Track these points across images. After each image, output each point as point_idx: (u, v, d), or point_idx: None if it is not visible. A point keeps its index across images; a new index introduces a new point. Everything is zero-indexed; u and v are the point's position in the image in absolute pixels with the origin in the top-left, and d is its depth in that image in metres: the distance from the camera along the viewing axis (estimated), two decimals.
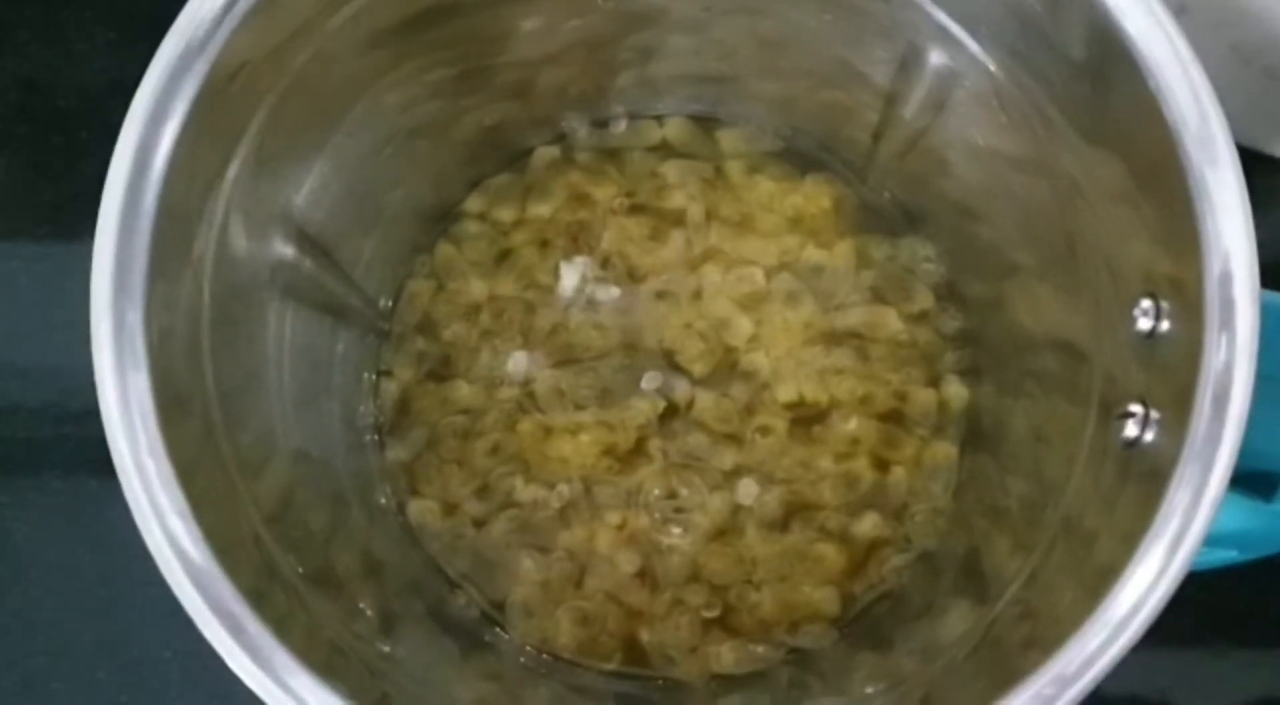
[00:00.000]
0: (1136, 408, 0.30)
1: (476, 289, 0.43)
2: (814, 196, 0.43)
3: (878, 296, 0.42)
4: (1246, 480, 0.33)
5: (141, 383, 0.28)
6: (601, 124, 0.44)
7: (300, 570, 0.31)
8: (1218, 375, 0.27)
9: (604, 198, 0.43)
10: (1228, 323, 0.27)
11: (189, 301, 0.30)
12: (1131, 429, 0.30)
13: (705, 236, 0.43)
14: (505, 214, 0.43)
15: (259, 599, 0.28)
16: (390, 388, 0.42)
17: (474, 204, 0.44)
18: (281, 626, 0.28)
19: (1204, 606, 0.35)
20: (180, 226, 0.30)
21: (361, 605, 0.33)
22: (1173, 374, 0.29)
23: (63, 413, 0.47)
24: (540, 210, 0.43)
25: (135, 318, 0.28)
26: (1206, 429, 0.27)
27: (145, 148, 0.29)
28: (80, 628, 0.45)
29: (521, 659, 0.40)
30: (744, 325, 0.42)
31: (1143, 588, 0.27)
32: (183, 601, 0.27)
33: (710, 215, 0.43)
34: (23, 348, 0.47)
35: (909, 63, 0.36)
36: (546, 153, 0.44)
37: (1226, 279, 0.27)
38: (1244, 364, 0.27)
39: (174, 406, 0.28)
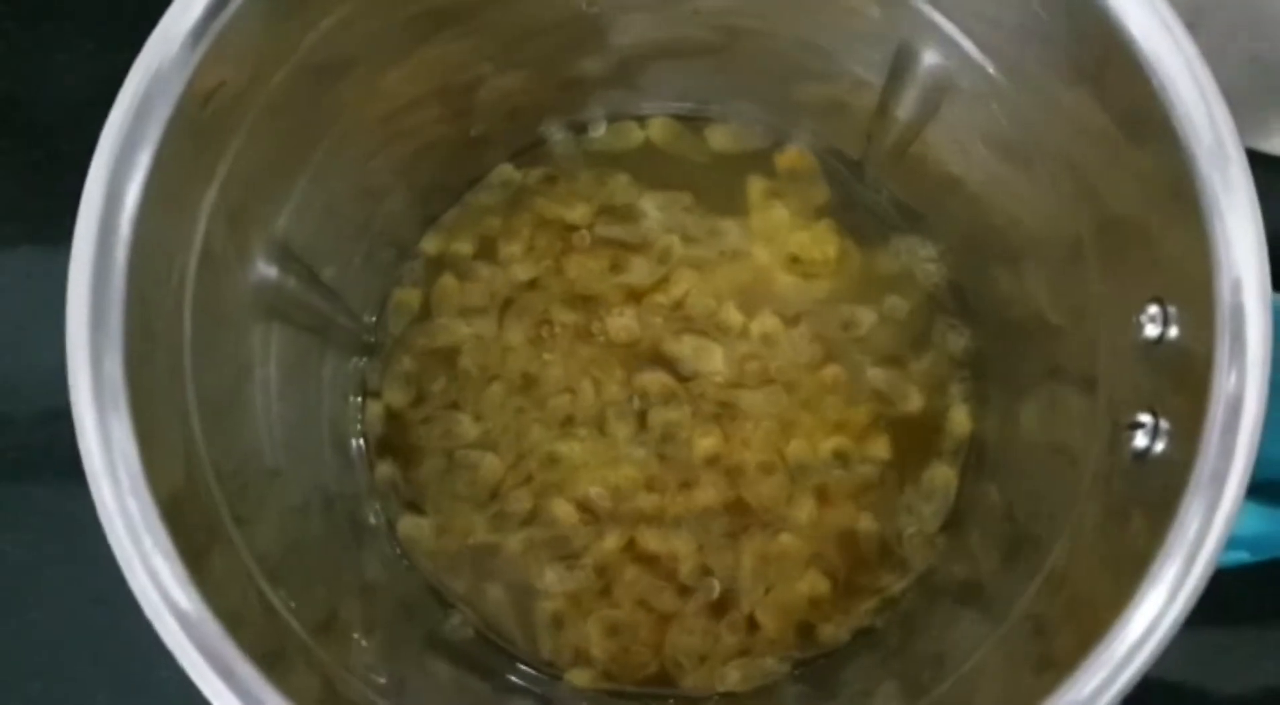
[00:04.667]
0: (1146, 417, 0.29)
1: (479, 328, 0.42)
2: (821, 241, 0.42)
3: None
4: (1260, 486, 0.32)
5: (123, 423, 0.27)
6: (580, 128, 0.43)
7: (293, 604, 0.30)
8: (1229, 385, 0.26)
9: (578, 218, 0.43)
10: (1238, 331, 0.26)
11: (169, 330, 0.29)
12: (1141, 439, 0.29)
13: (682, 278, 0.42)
14: (508, 248, 0.43)
15: (249, 639, 0.27)
16: (379, 408, 0.42)
17: (452, 217, 0.43)
18: (273, 666, 0.27)
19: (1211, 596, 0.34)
20: (158, 255, 0.29)
21: (356, 635, 0.33)
22: (1182, 382, 0.28)
23: (54, 427, 0.46)
24: (513, 249, 0.43)
25: (114, 360, 0.27)
26: (1220, 440, 0.26)
27: (118, 176, 0.28)
28: (78, 649, 0.45)
29: (510, 676, 0.40)
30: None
31: (1155, 611, 0.26)
32: (170, 646, 0.27)
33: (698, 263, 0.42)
34: (9, 362, 0.46)
35: (902, 62, 0.35)
36: (504, 173, 0.43)
37: (1237, 286, 0.27)
38: (1257, 374, 0.26)
39: (156, 442, 0.28)
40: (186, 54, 0.28)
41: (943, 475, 0.41)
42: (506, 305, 0.42)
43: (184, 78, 0.28)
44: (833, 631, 0.40)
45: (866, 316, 0.42)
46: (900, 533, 0.41)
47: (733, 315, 0.42)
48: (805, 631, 0.40)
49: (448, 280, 0.42)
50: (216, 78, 0.29)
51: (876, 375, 0.41)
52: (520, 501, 0.41)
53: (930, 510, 0.40)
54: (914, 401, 0.41)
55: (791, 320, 0.42)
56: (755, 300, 0.42)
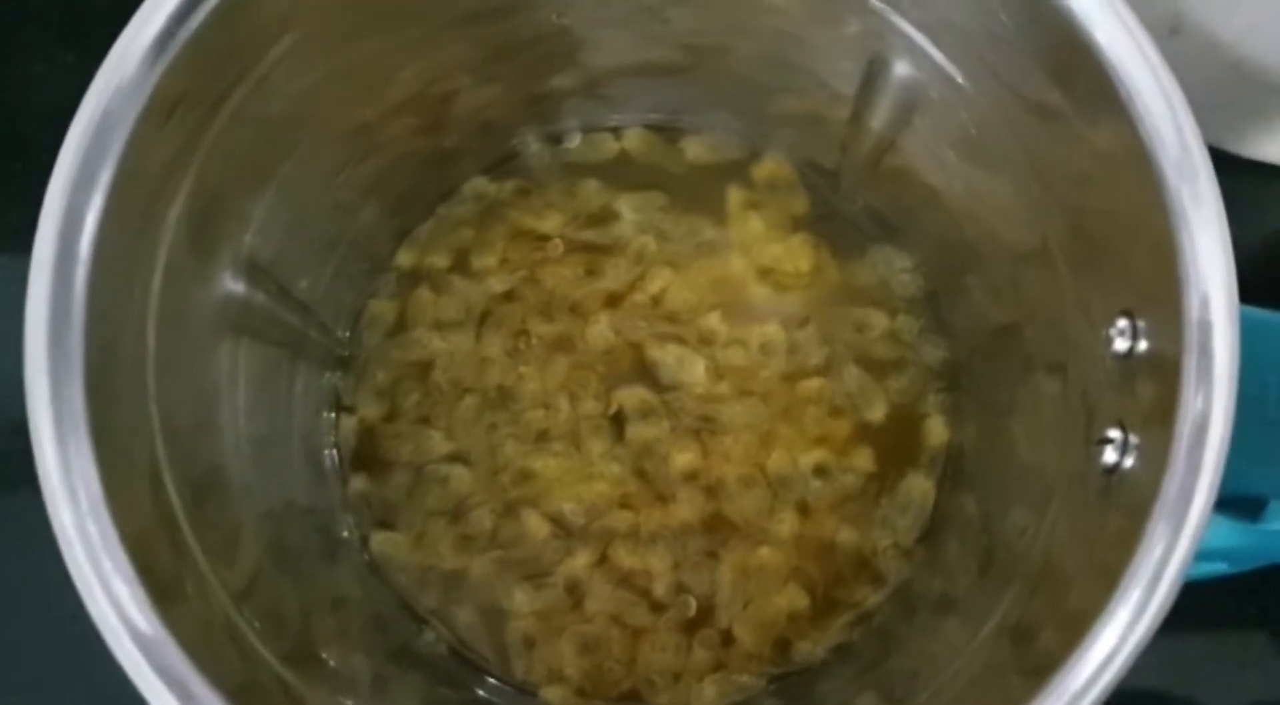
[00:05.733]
0: (1115, 433, 0.29)
1: (454, 342, 0.42)
2: (795, 254, 0.42)
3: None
4: (1233, 501, 0.32)
5: (82, 446, 0.27)
6: (554, 139, 0.43)
7: (258, 625, 0.30)
8: (1196, 400, 0.26)
9: (552, 229, 0.42)
10: (1206, 346, 0.26)
11: (132, 350, 0.29)
12: (1111, 454, 0.29)
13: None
14: (480, 259, 0.43)
15: (212, 663, 0.27)
16: (352, 422, 0.41)
17: (425, 230, 0.43)
18: (236, 689, 0.27)
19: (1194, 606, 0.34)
20: (120, 273, 0.28)
21: (325, 654, 0.32)
22: (1150, 397, 0.28)
23: (28, 438, 0.46)
24: (487, 262, 0.42)
25: (74, 381, 0.27)
26: (1187, 457, 0.26)
27: (78, 193, 0.28)
28: (55, 662, 0.44)
29: (481, 691, 0.39)
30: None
31: (1122, 626, 0.26)
32: (128, 671, 0.26)
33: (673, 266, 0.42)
34: None
35: (874, 74, 0.35)
36: (478, 185, 0.43)
37: (1204, 301, 0.26)
38: (1224, 390, 0.26)
39: (118, 464, 0.27)
40: (147, 68, 0.28)
41: (920, 487, 0.40)
42: (483, 318, 0.42)
43: (145, 92, 0.28)
44: (810, 647, 0.40)
45: (879, 320, 0.42)
46: (877, 545, 0.40)
47: (715, 324, 0.41)
48: (782, 646, 0.40)
49: (422, 293, 0.42)
50: (179, 92, 0.29)
51: (855, 384, 0.41)
52: (490, 518, 0.40)
53: (907, 523, 0.40)
54: (889, 412, 0.41)
55: (798, 324, 0.42)
56: (732, 305, 0.42)
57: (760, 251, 0.42)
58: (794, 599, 0.40)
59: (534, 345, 0.42)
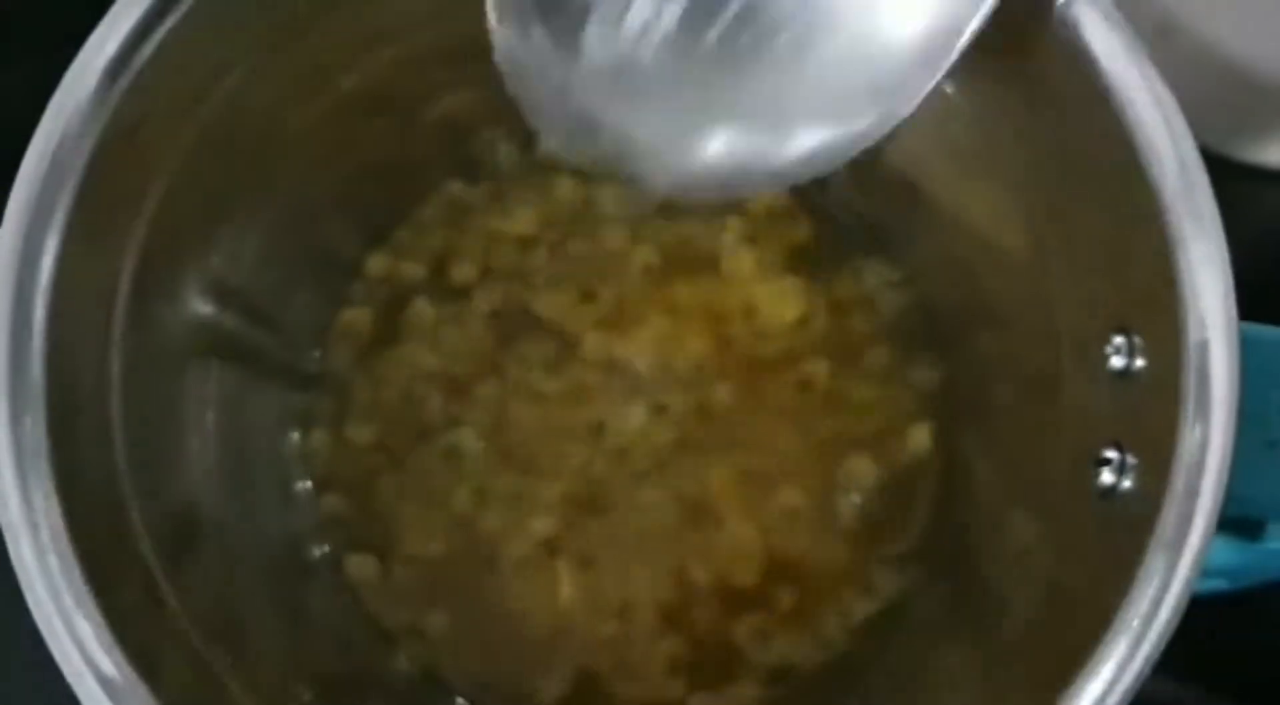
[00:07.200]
0: (1112, 453, 0.28)
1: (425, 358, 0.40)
2: (782, 301, 0.40)
3: None
4: (1234, 522, 0.31)
5: (43, 481, 0.26)
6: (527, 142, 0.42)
7: (229, 660, 0.29)
8: (1195, 422, 0.26)
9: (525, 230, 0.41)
10: (1204, 366, 0.26)
11: (95, 379, 0.29)
12: (1108, 476, 0.28)
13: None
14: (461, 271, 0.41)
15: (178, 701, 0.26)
16: (323, 440, 0.40)
17: (398, 238, 0.41)
18: None
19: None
20: (81, 302, 0.28)
21: (297, 687, 0.31)
22: (1148, 417, 0.27)
23: None
24: (468, 273, 0.41)
25: (36, 414, 0.26)
26: (1186, 480, 0.26)
27: (37, 220, 0.27)
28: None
29: None
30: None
31: (1121, 656, 0.25)
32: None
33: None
34: None
35: None
36: (453, 190, 0.41)
37: (1201, 320, 0.26)
38: (1223, 413, 0.25)
39: (80, 495, 0.27)
40: (105, 89, 0.28)
41: (910, 504, 0.39)
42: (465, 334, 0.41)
43: (105, 114, 0.28)
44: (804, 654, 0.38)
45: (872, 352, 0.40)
46: (871, 559, 0.39)
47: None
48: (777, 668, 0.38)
49: (422, 307, 0.40)
50: (140, 112, 0.28)
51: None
52: (479, 541, 0.39)
53: (898, 541, 0.39)
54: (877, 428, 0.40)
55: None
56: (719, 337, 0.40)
57: (746, 292, 0.40)
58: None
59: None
